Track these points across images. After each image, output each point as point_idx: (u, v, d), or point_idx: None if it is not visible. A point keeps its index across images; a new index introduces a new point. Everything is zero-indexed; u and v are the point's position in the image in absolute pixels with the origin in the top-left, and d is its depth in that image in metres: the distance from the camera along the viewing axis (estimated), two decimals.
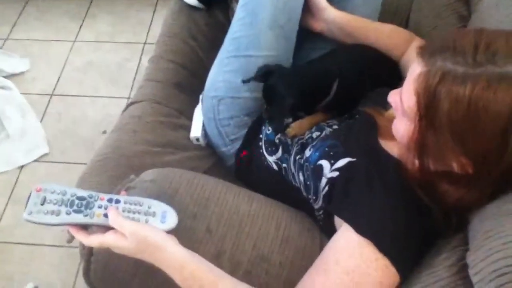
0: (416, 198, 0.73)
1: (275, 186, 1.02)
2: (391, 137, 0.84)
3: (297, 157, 0.97)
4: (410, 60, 1.05)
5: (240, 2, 1.04)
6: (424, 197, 0.73)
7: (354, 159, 0.84)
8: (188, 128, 1.15)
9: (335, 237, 0.76)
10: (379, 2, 1.17)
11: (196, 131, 1.14)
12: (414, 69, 0.67)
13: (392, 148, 0.84)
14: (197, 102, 1.18)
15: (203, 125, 1.14)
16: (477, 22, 1.01)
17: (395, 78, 1.05)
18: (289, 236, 0.83)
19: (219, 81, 1.08)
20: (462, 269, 0.67)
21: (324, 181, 0.86)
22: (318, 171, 0.88)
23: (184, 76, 1.26)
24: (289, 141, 1.01)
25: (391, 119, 0.87)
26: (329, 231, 0.83)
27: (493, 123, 0.60)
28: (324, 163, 0.87)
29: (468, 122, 0.61)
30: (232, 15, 1.31)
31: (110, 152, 1.05)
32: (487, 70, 0.60)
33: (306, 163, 0.92)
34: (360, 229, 0.73)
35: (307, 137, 0.99)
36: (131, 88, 1.92)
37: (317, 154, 0.90)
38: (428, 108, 0.64)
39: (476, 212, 0.71)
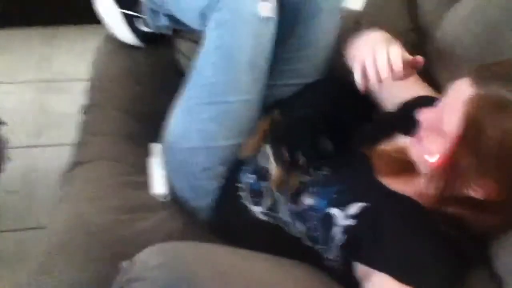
0: (442, 233, 0.73)
1: (264, 237, 0.95)
2: (389, 174, 0.85)
3: (291, 206, 0.91)
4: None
5: (210, 46, 0.95)
6: (447, 227, 0.73)
7: (368, 204, 0.81)
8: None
9: None
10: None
11: (159, 187, 1.02)
12: (463, 90, 0.67)
13: (396, 185, 0.84)
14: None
15: (165, 179, 1.03)
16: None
17: (367, 107, 1.06)
18: None
19: (191, 131, 0.98)
20: None
21: (337, 229, 0.82)
22: (327, 220, 0.83)
23: (134, 126, 1.12)
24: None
25: (385, 156, 0.88)
26: (344, 279, 0.81)
27: None
28: (335, 211, 0.83)
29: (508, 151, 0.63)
30: (179, 54, 1.22)
31: (72, 229, 0.88)
32: None
33: (311, 212, 0.87)
34: (402, 278, 0.70)
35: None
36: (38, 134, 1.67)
37: (324, 202, 0.85)
38: (473, 131, 0.65)
39: (502, 246, 0.72)
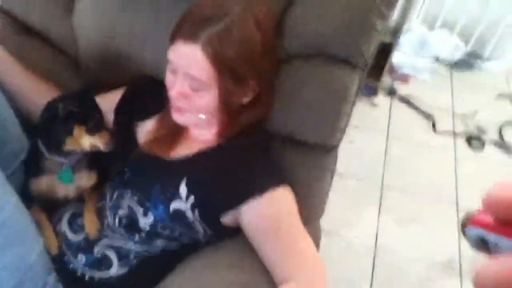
0: (243, 144, 0.95)
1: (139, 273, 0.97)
2: (170, 147, 1.00)
3: (138, 237, 0.95)
4: None
5: None
6: (239, 139, 0.95)
7: (185, 178, 0.92)
8: None
9: (256, 219, 0.88)
10: None
11: None
12: (183, 50, 0.84)
13: (186, 150, 0.99)
14: None
15: None
16: None
17: None
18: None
19: None
20: None
21: (189, 213, 0.91)
22: (177, 214, 0.91)
23: None
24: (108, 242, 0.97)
25: (154, 139, 1.00)
26: (221, 235, 0.95)
27: (256, 42, 0.87)
28: (176, 204, 0.91)
29: (247, 52, 0.86)
30: None
31: None
32: (232, 15, 0.84)
33: (160, 224, 0.93)
34: (259, 192, 0.88)
35: (116, 221, 0.97)
36: None
37: (161, 207, 0.92)
38: (222, 64, 0.85)
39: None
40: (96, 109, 0.95)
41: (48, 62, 1.18)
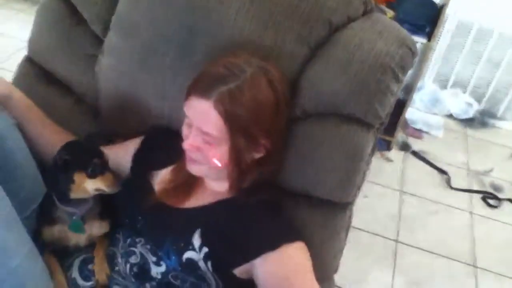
0: (256, 201, 0.95)
1: None
2: (184, 196, 1.00)
3: (148, 286, 0.94)
4: None
5: None
6: (254, 195, 0.96)
7: (199, 228, 0.93)
8: None
9: (268, 274, 0.88)
10: None
11: None
12: (200, 105, 0.86)
13: (200, 200, 0.99)
14: None
15: None
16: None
17: None
18: None
19: None
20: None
21: (202, 264, 0.91)
22: (189, 265, 0.91)
23: None
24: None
25: (167, 189, 1.01)
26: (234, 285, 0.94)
27: (268, 102, 0.89)
28: (189, 254, 0.91)
29: (259, 112, 0.88)
30: None
31: None
32: (244, 75, 0.86)
33: (171, 273, 0.93)
34: (272, 247, 0.88)
35: (127, 268, 0.97)
36: None
37: (174, 257, 0.92)
38: (234, 122, 0.86)
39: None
40: (95, 153, 0.96)
41: (67, 110, 1.24)
